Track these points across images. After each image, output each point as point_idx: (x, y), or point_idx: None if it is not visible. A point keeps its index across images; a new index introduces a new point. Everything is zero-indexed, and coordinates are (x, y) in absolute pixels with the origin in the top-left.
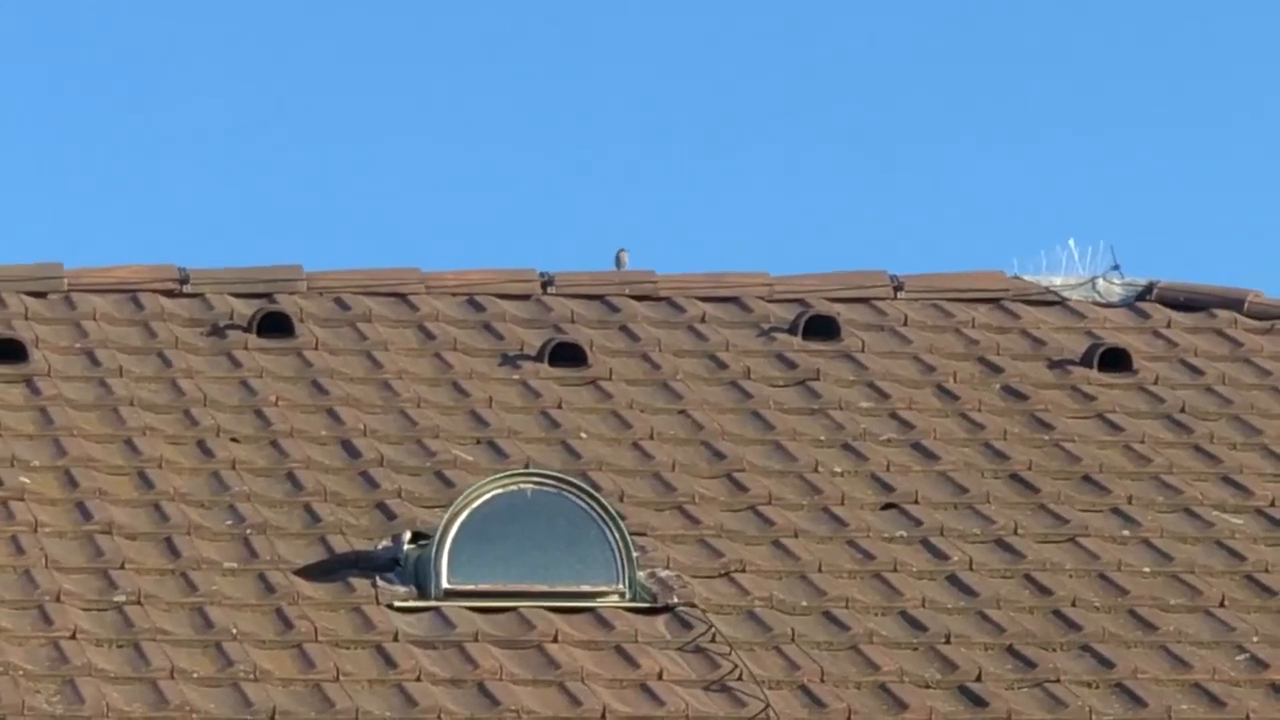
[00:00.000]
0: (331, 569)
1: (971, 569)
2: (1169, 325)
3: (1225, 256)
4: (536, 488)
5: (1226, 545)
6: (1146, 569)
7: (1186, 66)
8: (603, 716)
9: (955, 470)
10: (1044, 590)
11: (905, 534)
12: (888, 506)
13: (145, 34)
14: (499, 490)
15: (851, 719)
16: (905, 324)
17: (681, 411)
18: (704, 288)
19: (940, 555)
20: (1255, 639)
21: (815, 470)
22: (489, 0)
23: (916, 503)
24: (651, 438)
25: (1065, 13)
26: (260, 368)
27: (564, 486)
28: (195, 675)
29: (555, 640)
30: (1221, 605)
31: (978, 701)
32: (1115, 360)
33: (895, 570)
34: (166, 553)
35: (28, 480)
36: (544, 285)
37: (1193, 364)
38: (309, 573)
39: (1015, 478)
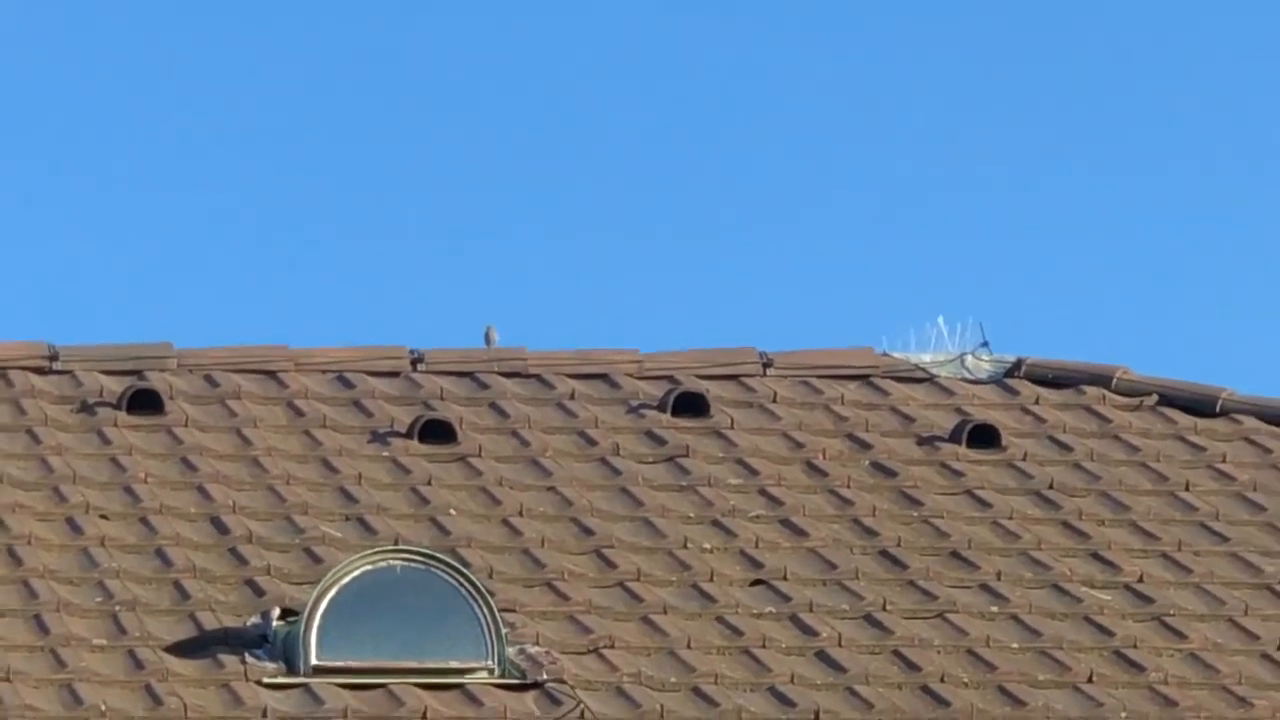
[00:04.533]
0: (201, 646)
1: (840, 645)
2: (1037, 402)
3: (1093, 333)
4: (405, 564)
5: (1095, 621)
6: (1015, 645)
7: (1050, 143)
8: None
9: (824, 546)
10: (913, 666)
11: (774, 610)
12: (756, 583)
13: (4, 108)
14: (368, 567)
15: None
16: (774, 401)
17: (550, 488)
18: (573, 365)
19: (809, 631)
20: (1124, 714)
21: (684, 546)
22: (360, 80)
23: (785, 579)
24: (521, 514)
25: (935, 88)
26: (130, 445)
27: (433, 563)
28: None
29: (424, 717)
30: (1090, 681)
31: None
32: (984, 437)
33: (764, 646)
34: (35, 629)
35: None
36: (413, 362)
37: (1061, 440)
38: (178, 649)
39: (884, 554)
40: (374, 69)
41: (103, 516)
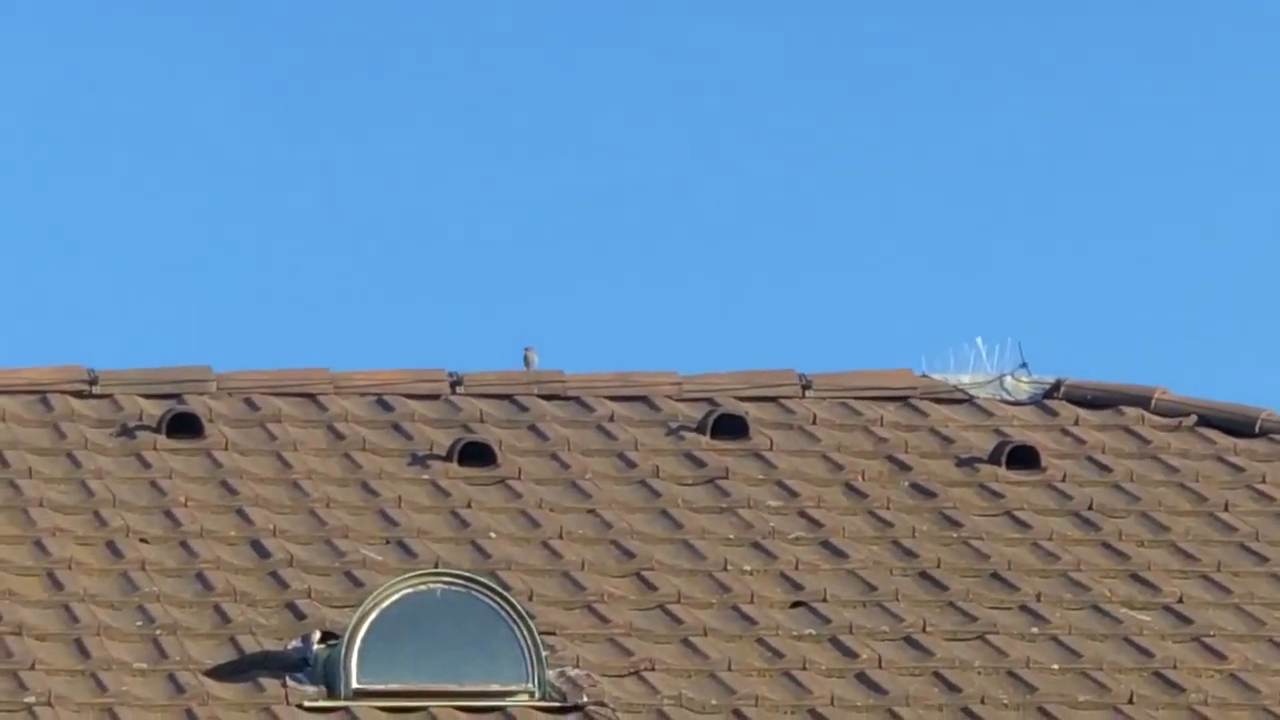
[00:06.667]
0: (241, 669)
1: (880, 667)
2: (1077, 423)
3: (1132, 354)
4: (446, 587)
5: (1135, 642)
6: (1055, 666)
7: (1088, 163)
8: None
9: (864, 568)
10: (953, 688)
11: (814, 632)
12: (796, 604)
13: (44, 131)
14: (408, 590)
15: None
16: (814, 422)
17: (590, 510)
18: (612, 387)
19: (849, 653)
20: None
21: (724, 569)
22: (395, 95)
23: (825, 601)
24: (561, 537)
25: (974, 111)
26: (169, 468)
27: (473, 586)
28: None
29: None
30: (1130, 702)
31: None
32: (1023, 458)
33: (804, 668)
34: (76, 653)
35: None
36: (453, 385)
37: (1100, 461)
38: (219, 673)
39: (924, 575)
40: (411, 85)
41: (143, 540)
